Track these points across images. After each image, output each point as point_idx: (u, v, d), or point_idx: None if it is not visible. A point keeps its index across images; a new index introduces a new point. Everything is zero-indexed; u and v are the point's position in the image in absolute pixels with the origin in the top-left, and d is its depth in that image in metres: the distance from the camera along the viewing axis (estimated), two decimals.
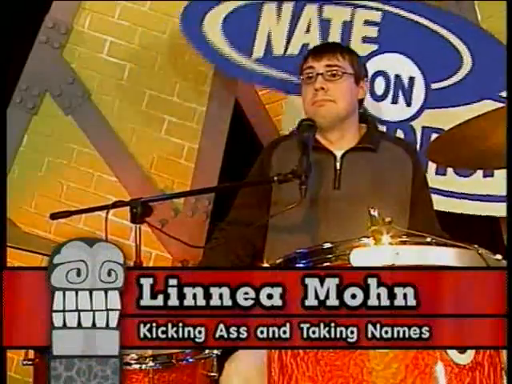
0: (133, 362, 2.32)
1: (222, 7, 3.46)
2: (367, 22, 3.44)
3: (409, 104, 3.42)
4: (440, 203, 3.24)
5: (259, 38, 3.45)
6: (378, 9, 3.45)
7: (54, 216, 3.01)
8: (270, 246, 2.80)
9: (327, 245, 2.01)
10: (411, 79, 3.43)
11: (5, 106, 3.63)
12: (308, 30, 3.46)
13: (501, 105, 3.19)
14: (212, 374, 2.43)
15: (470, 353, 1.91)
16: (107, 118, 3.69)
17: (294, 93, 3.33)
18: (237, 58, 3.43)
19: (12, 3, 3.50)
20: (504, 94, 3.38)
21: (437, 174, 3.38)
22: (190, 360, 2.39)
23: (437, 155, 2.51)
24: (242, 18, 3.46)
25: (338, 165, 2.79)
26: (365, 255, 1.93)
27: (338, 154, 2.81)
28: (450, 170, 3.38)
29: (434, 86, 3.41)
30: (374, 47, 3.45)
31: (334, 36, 3.45)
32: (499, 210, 3.33)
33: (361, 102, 2.91)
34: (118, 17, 3.71)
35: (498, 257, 2.00)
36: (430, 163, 3.32)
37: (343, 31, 3.46)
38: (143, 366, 2.32)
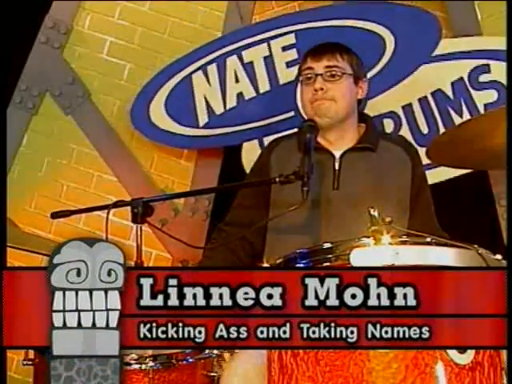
0: (133, 361, 2.32)
1: (160, 93, 3.60)
2: (284, 48, 3.50)
3: None
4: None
5: (199, 106, 3.58)
6: (289, 32, 3.52)
7: (54, 215, 3.01)
8: (270, 247, 2.80)
9: (327, 245, 2.01)
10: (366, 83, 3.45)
11: (5, 105, 3.63)
12: (237, 80, 3.55)
13: (437, 64, 3.39)
14: (212, 374, 2.43)
15: (470, 353, 1.91)
16: (107, 118, 3.69)
17: (250, 139, 3.49)
18: (187, 131, 3.58)
19: (12, 3, 3.50)
20: (436, 53, 3.40)
21: None
22: (190, 360, 2.39)
23: (437, 155, 2.51)
24: (179, 96, 3.60)
25: (336, 165, 2.79)
26: (365, 255, 1.93)
27: (337, 154, 2.81)
28: None
29: (368, 75, 3.43)
30: None
31: (261, 73, 3.53)
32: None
33: (359, 102, 2.91)
34: (117, 17, 3.71)
35: (498, 257, 2.00)
36: None
37: (267, 66, 3.53)
38: (143, 366, 2.32)
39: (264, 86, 3.52)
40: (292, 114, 3.43)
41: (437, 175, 3.29)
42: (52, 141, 3.72)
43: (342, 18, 3.47)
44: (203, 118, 3.56)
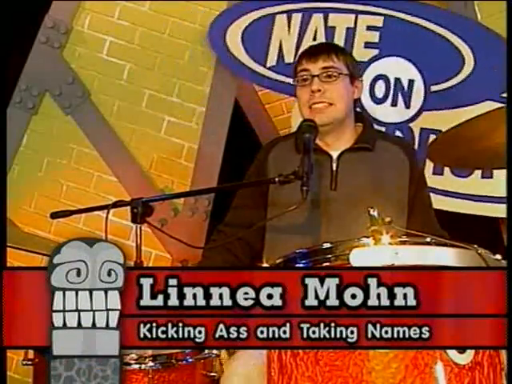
0: (132, 361, 2.32)
1: (242, 21, 3.63)
2: (369, 28, 3.50)
3: (408, 106, 3.43)
4: (437, 203, 3.24)
5: (272, 48, 3.63)
6: (379, 14, 3.51)
7: (53, 215, 3.01)
8: (269, 247, 2.80)
9: (327, 245, 2.00)
10: (411, 82, 3.45)
11: (5, 105, 3.63)
12: (315, 38, 3.57)
13: (502, 105, 3.25)
14: (211, 374, 2.43)
15: (470, 353, 1.91)
16: (107, 118, 3.69)
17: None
18: (254, 66, 3.62)
19: (12, 3, 3.50)
20: (506, 94, 3.38)
21: (434, 173, 3.39)
22: (190, 360, 2.39)
23: (437, 155, 2.51)
24: (258, 30, 3.64)
25: (334, 166, 2.78)
26: (364, 255, 1.93)
27: (335, 154, 2.80)
28: (447, 170, 3.39)
29: (435, 87, 3.42)
30: (375, 52, 3.52)
31: (339, 42, 3.52)
32: (497, 211, 3.34)
33: (356, 101, 2.91)
34: (117, 17, 3.72)
35: (498, 257, 2.00)
36: (428, 162, 3.33)
37: (347, 37, 3.54)
38: (143, 366, 2.32)
39: None
40: None
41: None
42: (52, 141, 3.72)
43: (431, 21, 3.45)
44: (272, 60, 3.62)
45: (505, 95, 3.38)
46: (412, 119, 3.43)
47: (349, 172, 2.77)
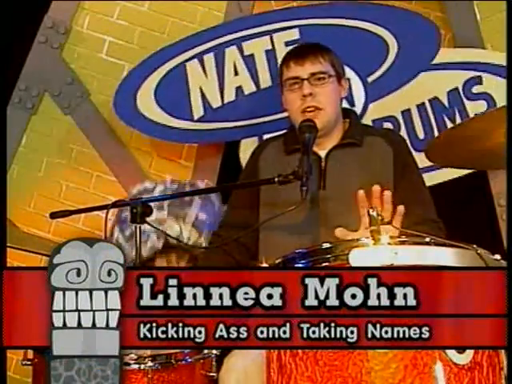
0: (132, 362, 2.32)
1: (149, 81, 3.49)
2: (287, 43, 3.43)
3: (353, 104, 3.43)
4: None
5: (194, 98, 3.48)
6: (293, 26, 3.46)
7: (53, 215, 3.01)
8: (263, 247, 2.80)
9: (326, 245, 2.00)
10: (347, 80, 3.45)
11: (4, 105, 3.63)
12: (236, 72, 3.48)
13: (435, 72, 3.41)
14: (211, 374, 2.43)
15: (469, 353, 1.91)
16: (106, 118, 3.69)
17: (248, 136, 3.46)
18: (179, 124, 3.48)
19: (11, 3, 3.50)
20: (435, 61, 3.43)
21: None
22: (189, 360, 2.39)
23: (436, 155, 2.51)
24: (171, 85, 3.49)
25: (322, 165, 2.78)
26: (364, 255, 1.93)
27: (323, 153, 2.80)
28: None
29: (371, 78, 3.43)
30: None
31: (262, 67, 3.47)
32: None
33: (342, 99, 2.91)
34: (117, 17, 3.71)
35: (497, 257, 2.00)
36: None
37: (269, 60, 3.47)
38: (142, 366, 2.32)
39: (265, 81, 3.47)
40: None
41: (436, 177, 3.30)
42: (51, 141, 3.72)
43: (347, 18, 3.46)
44: (198, 111, 3.48)
45: (433, 62, 3.43)
46: (362, 115, 3.43)
47: (337, 170, 2.77)
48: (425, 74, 3.44)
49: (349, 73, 3.28)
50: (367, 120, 3.42)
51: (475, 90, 3.42)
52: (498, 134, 2.24)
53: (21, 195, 3.66)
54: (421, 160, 2.84)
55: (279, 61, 3.27)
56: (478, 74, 3.42)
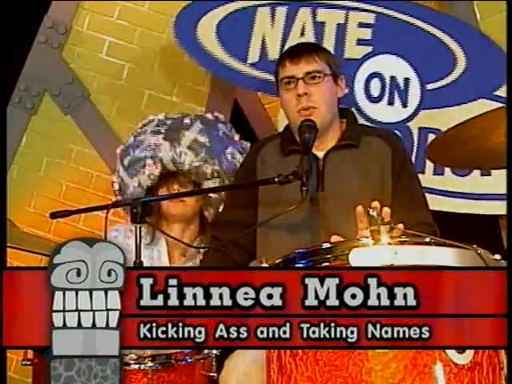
0: (132, 362, 2.32)
1: (216, 12, 3.44)
2: (361, 24, 3.42)
3: (405, 105, 3.41)
4: (437, 203, 3.24)
5: (254, 43, 3.44)
6: (371, 11, 3.43)
7: (53, 215, 3.01)
8: (263, 248, 2.79)
9: (326, 245, 2.01)
10: (406, 80, 3.42)
11: (4, 105, 3.63)
12: (303, 34, 3.44)
13: (495, 104, 3.26)
14: (211, 374, 2.43)
15: (469, 353, 1.91)
16: (106, 118, 3.69)
17: None
18: (232, 63, 3.42)
19: (11, 3, 3.50)
20: (499, 92, 3.39)
21: (434, 173, 3.38)
22: (189, 360, 2.39)
23: (436, 155, 2.51)
24: (236, 23, 3.45)
25: (320, 166, 2.78)
26: (364, 255, 1.93)
27: (320, 155, 2.80)
28: (447, 170, 3.38)
29: (429, 86, 3.41)
30: (369, 49, 3.43)
31: (329, 39, 3.42)
32: (497, 208, 3.33)
33: (340, 99, 2.89)
34: (117, 17, 3.71)
35: (497, 257, 2.00)
36: (428, 163, 3.32)
37: (337, 34, 3.43)
38: (142, 366, 2.32)
39: None
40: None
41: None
42: (51, 141, 3.72)
43: (423, 21, 3.42)
44: (253, 56, 3.43)
45: (497, 93, 3.38)
46: (410, 118, 3.41)
47: (335, 171, 2.76)
48: (484, 102, 3.38)
49: (410, 74, 3.28)
50: (413, 126, 3.41)
51: None
52: (498, 133, 2.24)
53: (21, 195, 3.66)
54: None
55: (347, 37, 3.31)
56: None
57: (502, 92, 3.38)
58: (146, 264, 2.94)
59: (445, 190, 3.37)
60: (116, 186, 3.20)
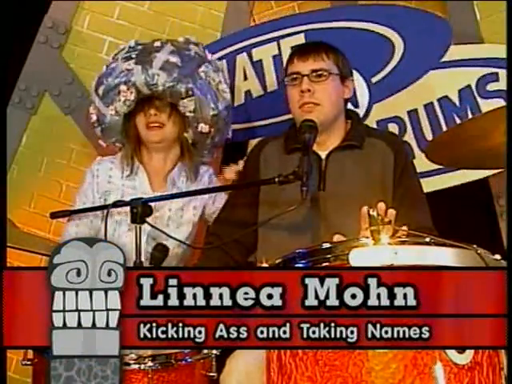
0: (132, 362, 2.32)
1: None
2: (293, 48, 3.40)
3: (356, 105, 3.42)
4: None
5: None
6: (299, 32, 3.50)
7: (53, 215, 3.01)
8: (263, 247, 2.80)
9: (326, 245, 2.01)
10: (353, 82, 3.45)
11: (4, 105, 3.63)
12: (246, 77, 3.54)
13: (445, 71, 3.37)
14: (211, 374, 2.43)
15: (469, 353, 1.91)
16: None
17: (256, 137, 3.44)
18: None
19: (11, 3, 3.50)
20: (446, 58, 3.39)
21: None
22: (189, 360, 2.39)
23: (436, 155, 2.51)
24: None
25: (322, 166, 2.78)
26: (364, 255, 1.93)
27: (323, 154, 2.80)
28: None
29: (375, 79, 3.43)
30: None
31: (269, 72, 3.51)
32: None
33: (347, 100, 2.90)
34: (117, 17, 3.71)
35: (497, 257, 2.00)
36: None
37: (275, 64, 3.50)
38: (142, 366, 2.32)
39: (272, 84, 3.51)
40: None
41: (435, 183, 3.30)
42: (51, 141, 3.72)
43: (351, 20, 3.46)
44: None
45: (444, 59, 3.39)
46: (365, 116, 3.42)
47: (337, 171, 2.77)
48: (434, 72, 3.40)
49: (354, 74, 3.28)
50: (371, 121, 3.41)
51: (490, 87, 3.37)
52: (498, 133, 2.24)
53: (21, 195, 3.66)
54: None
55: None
56: (495, 70, 3.37)
57: (448, 57, 3.39)
58: (130, 194, 3.04)
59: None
60: (94, 118, 3.20)
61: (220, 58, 3.48)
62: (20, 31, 3.65)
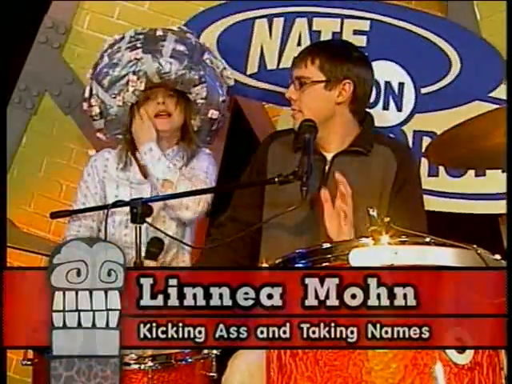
0: (132, 362, 2.32)
1: (216, 25, 3.51)
2: (356, 32, 3.43)
3: (400, 109, 3.42)
4: (434, 204, 3.25)
5: (252, 54, 3.50)
6: (365, 18, 3.46)
7: (53, 215, 3.01)
8: (265, 247, 2.80)
9: (326, 245, 2.01)
10: (401, 85, 3.43)
11: (4, 105, 3.63)
12: (299, 43, 3.48)
13: (490, 105, 3.26)
14: (211, 374, 2.43)
15: (469, 353, 1.91)
16: None
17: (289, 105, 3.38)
18: (232, 74, 3.43)
19: (11, 3, 3.50)
20: (494, 94, 3.37)
21: (429, 175, 3.38)
22: (189, 360, 2.39)
23: (436, 155, 2.51)
24: (235, 36, 3.51)
25: (326, 168, 2.78)
26: (364, 255, 1.93)
27: (329, 156, 2.80)
28: (441, 170, 3.39)
29: (424, 90, 3.42)
30: None
31: None
32: (492, 208, 3.34)
33: (353, 102, 2.84)
34: (117, 17, 3.71)
35: (497, 257, 2.00)
36: (423, 165, 3.33)
37: None
38: (142, 366, 2.32)
39: None
40: None
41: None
42: (51, 141, 3.71)
43: (418, 25, 3.43)
44: (252, 67, 3.50)
45: (492, 95, 3.37)
46: (404, 122, 3.41)
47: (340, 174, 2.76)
48: (479, 103, 3.36)
49: (405, 79, 3.29)
50: (409, 129, 3.40)
51: None
52: (498, 133, 2.24)
53: (21, 195, 3.65)
54: None
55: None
56: None
57: (497, 94, 3.37)
58: (124, 185, 3.07)
59: (440, 191, 3.37)
60: (96, 110, 3.19)
61: (279, 15, 3.47)
62: (20, 31, 3.64)
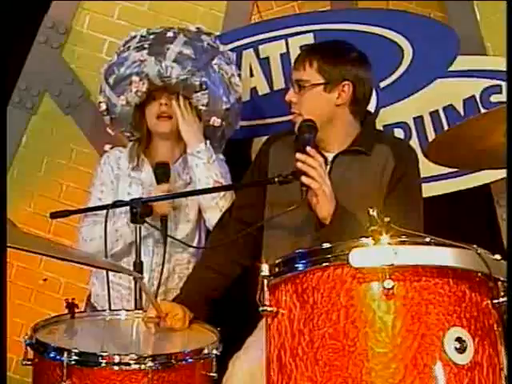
0: (132, 362, 2.31)
1: None
2: (302, 47, 3.43)
3: None
4: (427, 190, 3.24)
5: None
6: (308, 31, 3.49)
7: (53, 215, 3.02)
8: (266, 247, 2.80)
9: (326, 245, 2.01)
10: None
11: (4, 105, 3.63)
12: (252, 74, 3.53)
13: (452, 80, 3.38)
14: (211, 374, 2.43)
15: (469, 353, 1.91)
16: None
17: (260, 135, 3.45)
18: None
19: (11, 3, 3.50)
20: (453, 67, 3.41)
21: None
22: (190, 360, 2.39)
23: (436, 155, 2.51)
24: None
25: (327, 168, 2.78)
26: (364, 255, 1.93)
27: (330, 156, 2.80)
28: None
29: (382, 84, 3.43)
30: None
31: (276, 70, 3.51)
32: (485, 178, 3.35)
33: (353, 103, 2.82)
34: (117, 17, 3.71)
35: (497, 257, 2.00)
36: None
37: (283, 63, 3.50)
38: (142, 366, 2.31)
39: (279, 83, 3.50)
40: None
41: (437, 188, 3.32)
42: (51, 141, 3.72)
43: (361, 23, 3.46)
44: None
45: (451, 69, 3.41)
46: None
47: (340, 174, 2.76)
48: (441, 81, 3.42)
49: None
50: (378, 125, 3.37)
51: (494, 98, 3.38)
52: (498, 133, 2.24)
53: (21, 195, 3.66)
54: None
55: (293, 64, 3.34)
56: (498, 82, 3.38)
57: (456, 66, 3.41)
58: (137, 184, 3.09)
59: (428, 176, 3.34)
60: (103, 106, 3.20)
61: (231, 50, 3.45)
62: (20, 31, 3.65)
